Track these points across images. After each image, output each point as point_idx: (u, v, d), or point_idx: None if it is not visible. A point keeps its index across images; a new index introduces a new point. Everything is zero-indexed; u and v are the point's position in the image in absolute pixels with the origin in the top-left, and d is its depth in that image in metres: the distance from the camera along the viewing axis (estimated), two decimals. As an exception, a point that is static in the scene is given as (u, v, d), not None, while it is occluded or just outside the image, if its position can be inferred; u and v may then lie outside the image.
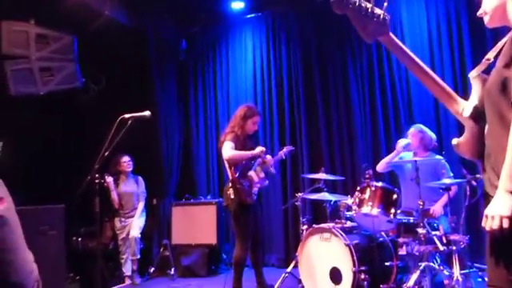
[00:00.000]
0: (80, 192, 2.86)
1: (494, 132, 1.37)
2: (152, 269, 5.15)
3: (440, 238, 3.32)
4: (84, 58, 4.73)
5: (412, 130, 3.97)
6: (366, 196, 3.53)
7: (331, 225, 3.62)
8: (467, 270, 3.32)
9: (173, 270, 5.01)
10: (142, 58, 5.47)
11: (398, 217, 3.57)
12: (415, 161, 3.48)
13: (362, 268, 3.29)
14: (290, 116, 5.55)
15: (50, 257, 3.04)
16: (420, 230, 3.26)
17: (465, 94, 1.57)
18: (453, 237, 3.30)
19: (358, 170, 4.83)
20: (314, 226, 3.73)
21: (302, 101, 5.47)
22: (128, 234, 4.87)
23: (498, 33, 1.54)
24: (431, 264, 3.25)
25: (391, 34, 1.46)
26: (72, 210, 3.45)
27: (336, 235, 3.45)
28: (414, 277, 3.18)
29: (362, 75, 5.19)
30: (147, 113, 3.07)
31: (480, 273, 3.39)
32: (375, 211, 3.46)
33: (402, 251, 3.43)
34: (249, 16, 5.89)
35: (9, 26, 4.13)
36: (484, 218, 1.30)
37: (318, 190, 3.98)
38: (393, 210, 3.49)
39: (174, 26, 5.91)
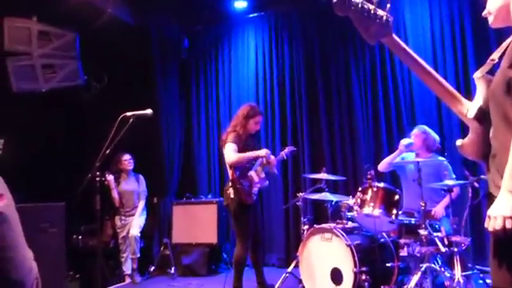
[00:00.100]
0: (81, 190, 2.85)
1: (498, 133, 1.36)
2: (152, 268, 5.15)
3: (441, 240, 3.30)
4: (86, 56, 4.73)
5: (415, 130, 3.95)
6: (368, 196, 3.52)
7: (332, 225, 3.61)
8: (468, 272, 3.31)
9: (173, 269, 5.01)
10: (145, 56, 5.47)
11: (400, 218, 3.56)
12: (417, 162, 3.46)
13: (363, 269, 3.27)
14: (291, 115, 5.54)
15: (50, 254, 3.04)
16: (422, 232, 3.24)
17: (467, 94, 1.56)
18: (454, 238, 3.29)
19: (360, 170, 4.82)
20: (315, 226, 3.72)
21: (303, 100, 5.46)
22: (128, 233, 4.87)
23: (502, 33, 1.53)
24: (432, 265, 3.24)
25: (394, 36, 1.45)
26: (72, 208, 3.44)
27: (337, 235, 3.44)
28: (415, 278, 3.17)
29: (365, 75, 5.17)
30: (149, 111, 3.07)
31: (481, 275, 3.37)
32: (377, 212, 3.45)
33: (404, 252, 3.41)
34: (252, 15, 5.88)
35: (11, 22, 4.13)
36: (487, 219, 1.29)
37: (320, 190, 3.97)
38: (394, 211, 3.47)
39: (177, 25, 5.91)
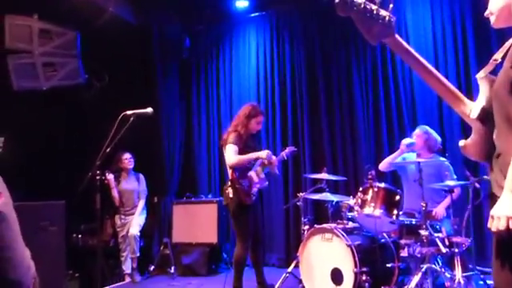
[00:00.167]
0: (81, 189, 2.85)
1: (501, 133, 1.35)
2: (152, 267, 5.14)
3: (442, 240, 3.30)
4: (87, 55, 4.72)
5: (417, 130, 3.94)
6: (369, 197, 3.52)
7: (333, 225, 3.60)
8: (469, 273, 3.30)
9: (173, 268, 5.00)
10: (146, 55, 5.46)
11: (401, 218, 3.55)
12: (418, 162, 3.45)
13: (364, 269, 3.27)
14: (292, 115, 5.53)
15: (50, 253, 3.04)
16: (422, 232, 3.23)
17: (469, 94, 1.55)
18: (455, 239, 3.29)
19: (361, 170, 4.81)
20: (315, 226, 3.71)
21: (304, 100, 5.45)
22: (128, 232, 4.86)
23: (504, 33, 1.52)
24: (433, 266, 3.23)
25: (397, 36, 1.44)
26: (73, 207, 3.44)
27: (338, 236, 3.43)
28: (416, 279, 3.16)
29: (366, 75, 5.16)
30: (149, 109, 3.07)
31: (482, 276, 3.37)
32: (377, 212, 3.44)
33: (404, 253, 3.40)
34: (253, 15, 5.88)
35: (12, 20, 4.12)
36: (490, 219, 1.28)
37: (320, 190, 3.96)
38: (395, 212, 3.47)
39: (178, 24, 5.90)
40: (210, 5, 5.75)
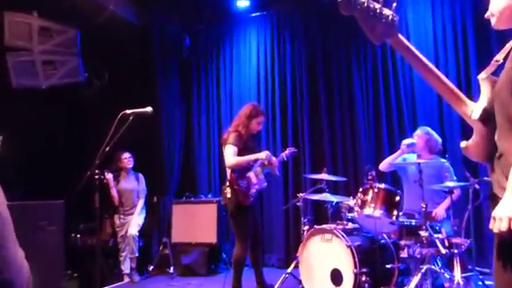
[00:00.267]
0: (79, 188, 2.84)
1: (503, 134, 1.34)
2: (151, 267, 5.13)
3: (442, 241, 3.29)
4: (88, 53, 4.71)
5: (418, 131, 3.93)
6: (369, 197, 3.51)
7: (333, 226, 3.60)
8: (468, 274, 3.30)
9: (172, 268, 4.99)
10: (146, 55, 5.45)
11: (400, 219, 3.54)
12: (419, 163, 3.44)
13: (364, 270, 3.26)
14: (292, 115, 5.52)
15: (48, 253, 3.02)
16: (422, 233, 3.23)
17: (469, 94, 1.54)
18: (455, 240, 3.28)
19: (361, 171, 4.80)
20: (315, 226, 3.70)
21: (305, 100, 5.44)
22: (127, 232, 4.85)
23: (505, 34, 1.52)
24: (433, 267, 3.22)
25: (399, 35, 1.43)
26: (71, 206, 3.43)
27: (337, 236, 3.42)
28: (416, 280, 3.16)
29: (366, 75, 5.16)
30: (149, 108, 3.06)
31: (481, 276, 3.37)
32: (377, 213, 3.43)
33: (404, 254, 3.40)
34: (254, 14, 5.86)
35: (11, 17, 4.10)
36: (492, 220, 1.27)
37: (320, 191, 3.95)
38: (395, 212, 3.46)
39: (179, 23, 5.89)
40: (211, 4, 5.74)
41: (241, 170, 3.64)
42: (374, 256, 3.44)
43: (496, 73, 1.46)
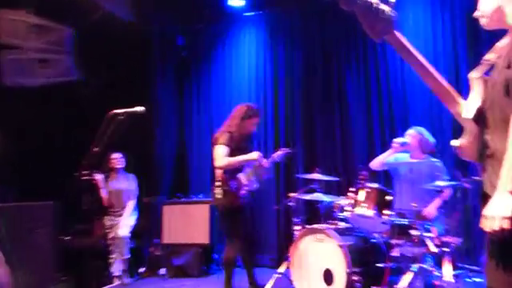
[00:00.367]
0: (68, 189, 2.80)
1: (496, 133, 1.35)
2: (143, 269, 5.08)
3: (433, 240, 3.31)
4: (85, 52, 4.65)
5: (411, 130, 3.93)
6: (361, 197, 3.52)
7: (325, 226, 3.60)
8: (458, 271, 3.32)
9: (164, 270, 4.95)
10: (143, 54, 5.43)
11: (392, 218, 3.56)
12: (411, 162, 3.46)
13: (355, 269, 3.26)
14: (285, 115, 5.52)
15: (38, 254, 2.98)
16: (413, 232, 3.25)
17: (468, 94, 1.54)
18: (446, 239, 3.30)
19: (353, 170, 4.81)
20: (306, 226, 3.70)
21: (297, 100, 5.45)
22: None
23: (496, 34, 1.53)
24: (423, 266, 3.24)
25: (397, 33, 1.42)
26: (62, 208, 3.38)
27: (329, 236, 3.43)
28: (407, 278, 3.16)
29: (358, 76, 5.18)
30: (141, 108, 3.02)
31: (470, 273, 3.40)
32: (370, 212, 3.44)
33: (395, 253, 3.41)
34: (250, 14, 5.85)
35: (5, 14, 4.05)
36: (483, 220, 1.27)
37: (312, 191, 3.95)
38: (387, 212, 3.47)
39: (175, 23, 5.87)
40: (208, 4, 5.72)
41: (231, 171, 3.60)
42: (366, 256, 3.45)
43: (487, 72, 1.47)
